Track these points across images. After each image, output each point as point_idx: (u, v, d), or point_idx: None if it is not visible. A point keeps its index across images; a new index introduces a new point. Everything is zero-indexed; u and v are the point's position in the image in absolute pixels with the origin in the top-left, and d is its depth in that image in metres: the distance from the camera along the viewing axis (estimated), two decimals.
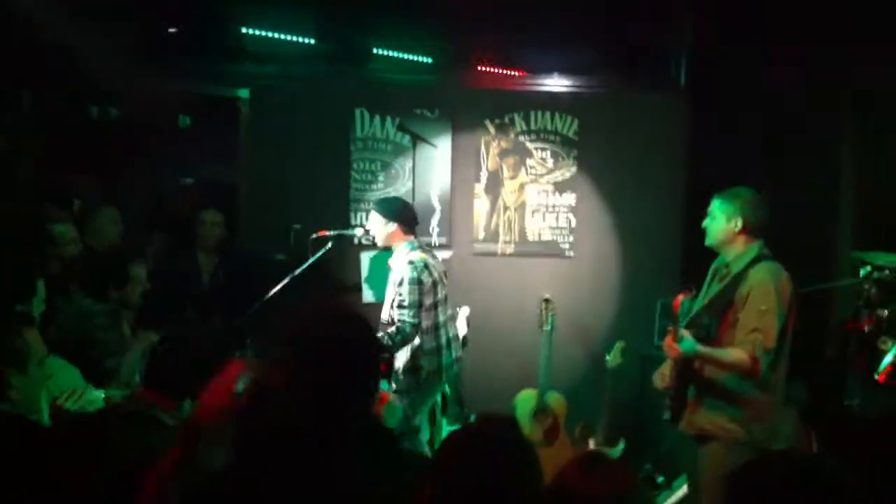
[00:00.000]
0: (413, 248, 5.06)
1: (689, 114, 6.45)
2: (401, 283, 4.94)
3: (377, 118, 6.36)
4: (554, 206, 6.47)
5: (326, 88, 6.37)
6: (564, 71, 6.64)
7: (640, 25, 6.42)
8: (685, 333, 3.79)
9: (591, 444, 5.44)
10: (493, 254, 6.48)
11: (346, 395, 2.02)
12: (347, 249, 5.97)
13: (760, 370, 3.77)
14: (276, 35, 6.34)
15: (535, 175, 6.46)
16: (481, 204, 6.44)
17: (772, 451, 1.79)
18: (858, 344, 4.41)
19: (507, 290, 6.40)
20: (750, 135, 6.37)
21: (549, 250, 6.48)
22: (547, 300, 5.76)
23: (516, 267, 6.44)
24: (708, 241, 4.10)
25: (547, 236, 6.48)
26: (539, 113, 6.46)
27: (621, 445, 5.43)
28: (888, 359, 4.23)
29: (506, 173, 6.45)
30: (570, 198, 6.48)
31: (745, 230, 3.98)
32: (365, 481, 1.95)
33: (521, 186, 6.46)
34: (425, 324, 4.98)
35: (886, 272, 4.56)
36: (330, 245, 5.30)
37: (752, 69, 6.19)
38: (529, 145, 6.45)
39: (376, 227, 5.11)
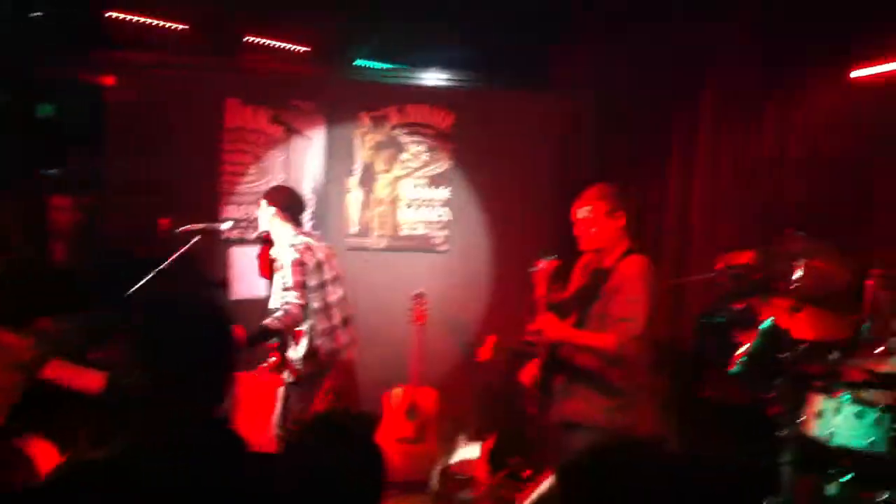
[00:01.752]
0: (296, 234, 5.03)
1: (563, 110, 6.54)
2: (284, 268, 4.89)
3: (250, 109, 6.23)
4: (428, 200, 6.47)
5: (198, 77, 6.20)
6: (441, 66, 6.65)
7: (514, 22, 6.46)
8: (547, 316, 3.84)
9: (462, 440, 5.46)
10: (367, 248, 6.43)
11: (194, 382, 1.99)
12: (219, 244, 5.83)
13: (626, 357, 3.85)
14: (146, 21, 6.13)
15: (410, 169, 6.44)
16: (355, 197, 6.39)
17: (607, 438, 1.78)
18: (716, 336, 4.54)
19: (380, 284, 6.37)
20: (620, 131, 6.50)
21: (422, 245, 6.48)
22: (420, 295, 5.75)
23: (390, 261, 6.42)
24: (587, 246, 4.12)
25: (421, 230, 6.48)
26: (414, 106, 6.44)
27: (490, 440, 5.46)
28: (741, 350, 4.37)
29: (380, 166, 6.41)
30: (444, 192, 6.49)
31: (622, 224, 4.05)
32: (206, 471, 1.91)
33: (396, 180, 6.43)
34: (315, 305, 4.94)
35: (741, 268, 4.71)
36: (197, 239, 5.16)
37: (623, 67, 6.33)
38: (404, 139, 6.43)
39: (264, 215, 5.05)
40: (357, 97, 6.42)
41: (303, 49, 6.55)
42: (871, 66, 5.98)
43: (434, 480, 5.28)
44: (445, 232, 6.51)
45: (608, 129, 6.51)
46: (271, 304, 5.05)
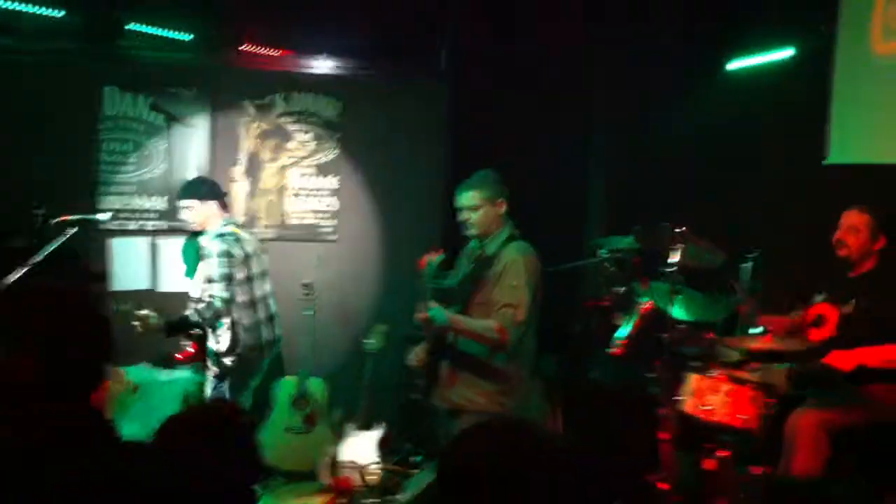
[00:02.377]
0: (227, 224, 4.92)
1: (451, 98, 6.57)
2: (209, 257, 4.78)
3: (129, 96, 6.05)
4: (316, 190, 6.42)
5: (74, 64, 5.97)
6: (328, 53, 6.58)
7: (404, 11, 6.45)
8: (434, 304, 3.88)
9: (351, 429, 5.45)
10: None
11: (66, 373, 1.93)
12: (97, 235, 5.66)
13: (510, 342, 3.92)
14: (18, 6, 5.87)
15: (297, 158, 6.37)
16: (240, 187, 6.28)
17: (482, 422, 1.79)
18: (599, 320, 4.65)
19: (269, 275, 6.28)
20: (509, 120, 6.57)
21: (311, 234, 6.42)
22: (307, 284, 5.70)
23: (278, 251, 6.33)
24: (473, 232, 4.16)
25: (309, 220, 6.42)
26: (300, 94, 6.37)
27: (380, 428, 5.46)
28: (622, 333, 4.49)
29: (266, 155, 6.32)
30: (332, 181, 6.45)
31: (504, 211, 4.10)
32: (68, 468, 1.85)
33: (282, 169, 6.35)
34: (241, 299, 4.84)
35: (621, 253, 4.83)
36: (74, 230, 4.99)
37: (511, 55, 6.40)
38: (291, 127, 6.35)
39: (195, 212, 4.92)
40: (241, 85, 6.30)
41: (185, 36, 6.39)
42: (745, 58, 6.22)
43: (323, 470, 5.25)
44: (334, 221, 6.46)
45: (496, 119, 6.57)
46: (193, 294, 4.96)
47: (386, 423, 5.51)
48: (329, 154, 6.43)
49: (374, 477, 5.14)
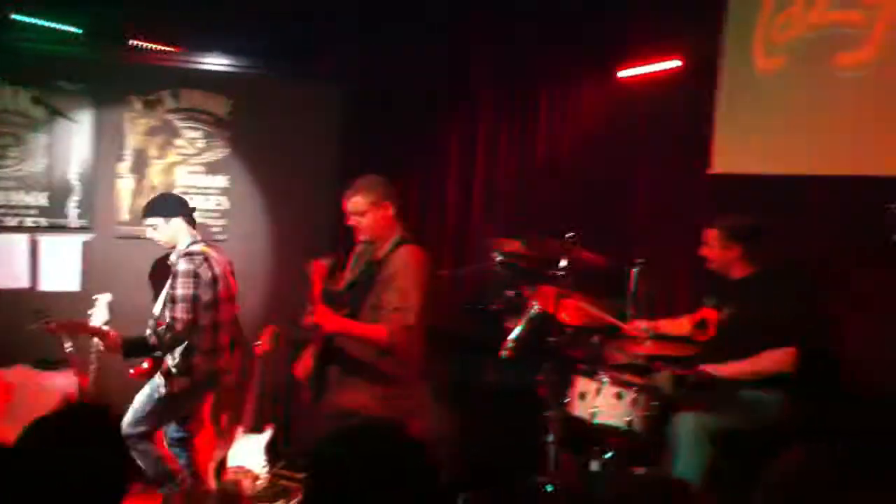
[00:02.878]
0: (195, 242, 4.71)
1: (343, 99, 6.54)
2: (175, 277, 4.56)
3: (8, 89, 5.80)
4: (205, 188, 6.28)
5: None
6: (219, 51, 6.45)
7: (298, 11, 6.37)
8: (321, 309, 3.85)
9: (239, 433, 5.35)
10: (139, 237, 6.15)
11: None
12: None
13: (400, 345, 3.90)
14: None
15: (185, 155, 6.23)
16: (125, 184, 6.10)
17: (351, 423, 1.82)
18: (490, 323, 4.68)
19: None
20: (400, 124, 6.56)
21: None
22: None
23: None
24: (363, 236, 4.15)
25: (198, 219, 6.26)
26: (190, 92, 6.23)
27: (268, 432, 5.38)
28: (512, 336, 4.53)
29: (153, 152, 6.15)
30: (222, 180, 6.32)
31: (391, 214, 4.09)
32: None
33: (170, 167, 6.20)
34: (203, 322, 4.60)
35: (512, 258, 4.88)
36: None
37: (402, 56, 6.40)
38: (179, 124, 6.21)
39: (160, 230, 4.70)
40: (129, 80, 6.12)
41: (73, 28, 6.17)
42: (637, 66, 6.34)
43: (211, 473, 5.14)
44: (223, 221, 6.34)
45: (387, 122, 6.56)
46: (156, 312, 4.73)
47: (274, 427, 5.43)
48: (219, 153, 6.31)
49: (263, 482, 5.05)
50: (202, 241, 4.83)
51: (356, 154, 6.35)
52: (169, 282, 4.70)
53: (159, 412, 4.70)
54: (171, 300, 4.58)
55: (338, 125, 6.55)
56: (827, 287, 4.74)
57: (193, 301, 4.56)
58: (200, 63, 6.40)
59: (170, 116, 6.18)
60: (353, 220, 4.13)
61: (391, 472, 1.71)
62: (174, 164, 6.20)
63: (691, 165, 5.86)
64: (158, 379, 4.67)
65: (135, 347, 4.60)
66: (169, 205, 4.83)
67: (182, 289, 4.55)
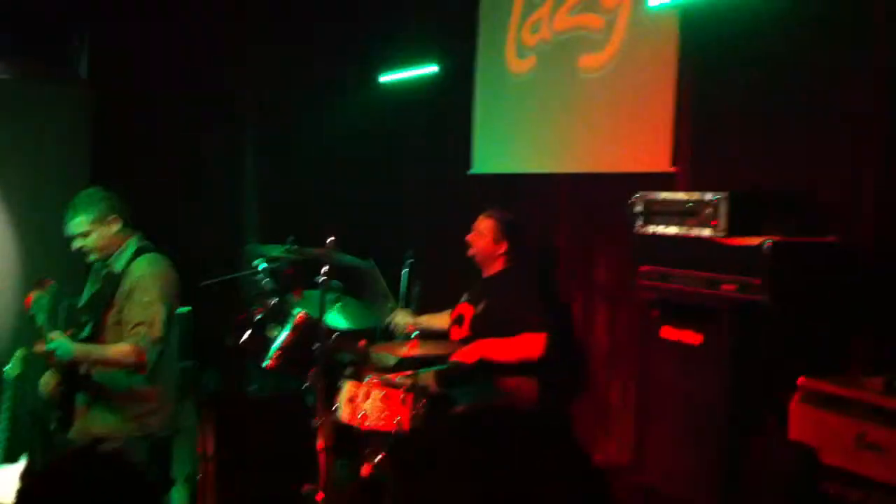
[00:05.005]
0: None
1: (93, 104, 6.19)
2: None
3: None
4: None
5: None
6: None
7: (43, 10, 5.99)
8: (57, 335, 3.62)
9: None
10: None
11: None
12: None
13: (148, 362, 3.74)
14: None
15: None
16: None
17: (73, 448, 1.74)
18: (253, 332, 4.58)
19: None
20: (161, 123, 6.32)
21: None
22: None
23: None
24: (93, 257, 3.94)
25: None
26: None
27: (23, 459, 5.02)
28: (276, 345, 4.46)
29: None
30: None
31: (118, 229, 3.90)
32: None
33: None
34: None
35: (275, 264, 4.81)
36: None
37: (158, 62, 6.18)
38: None
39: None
40: None
41: None
42: (394, 72, 6.44)
43: None
44: None
45: (147, 123, 6.29)
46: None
47: (29, 456, 5.07)
48: None
49: None
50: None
51: (111, 158, 6.03)
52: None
53: None
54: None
55: (89, 129, 6.18)
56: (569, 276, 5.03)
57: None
58: None
59: None
60: (77, 244, 3.87)
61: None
62: None
63: (454, 166, 6.03)
64: None
65: None
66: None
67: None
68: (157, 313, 3.76)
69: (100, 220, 3.85)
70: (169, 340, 3.87)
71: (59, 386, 3.86)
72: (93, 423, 3.86)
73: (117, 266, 3.89)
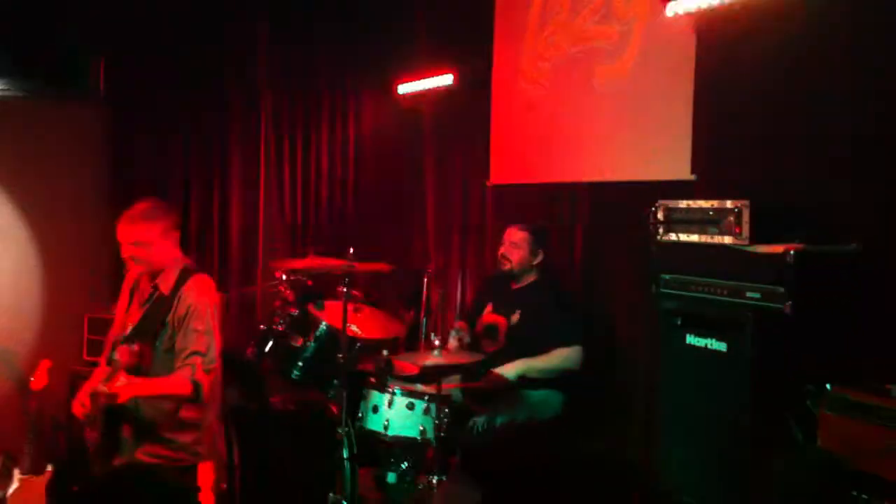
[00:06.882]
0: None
1: (111, 122, 6.25)
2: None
3: None
4: None
5: None
6: None
7: (56, 31, 6.03)
8: (122, 381, 3.42)
9: (17, 475, 5.01)
10: None
11: None
12: None
13: (204, 392, 3.64)
14: None
15: None
16: None
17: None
18: (275, 344, 4.60)
19: None
20: (178, 145, 6.37)
21: None
22: None
23: None
24: (143, 269, 3.80)
25: None
26: None
27: (48, 472, 5.07)
28: (300, 355, 4.48)
29: None
30: None
31: (173, 242, 3.82)
32: None
33: None
34: None
35: (295, 276, 4.83)
36: None
37: (173, 78, 6.23)
38: None
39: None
40: None
41: None
42: (414, 81, 6.46)
43: None
44: None
45: (165, 140, 6.35)
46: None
47: (54, 467, 5.12)
48: None
49: None
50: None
51: (130, 176, 6.09)
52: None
53: None
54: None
55: (106, 146, 6.24)
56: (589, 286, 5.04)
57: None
58: None
59: None
60: (131, 252, 3.73)
61: None
62: None
63: (474, 177, 6.05)
64: None
65: None
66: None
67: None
68: (211, 343, 3.68)
69: (164, 233, 3.76)
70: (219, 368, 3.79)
71: (105, 416, 3.68)
72: (141, 454, 3.75)
73: (165, 286, 3.79)
